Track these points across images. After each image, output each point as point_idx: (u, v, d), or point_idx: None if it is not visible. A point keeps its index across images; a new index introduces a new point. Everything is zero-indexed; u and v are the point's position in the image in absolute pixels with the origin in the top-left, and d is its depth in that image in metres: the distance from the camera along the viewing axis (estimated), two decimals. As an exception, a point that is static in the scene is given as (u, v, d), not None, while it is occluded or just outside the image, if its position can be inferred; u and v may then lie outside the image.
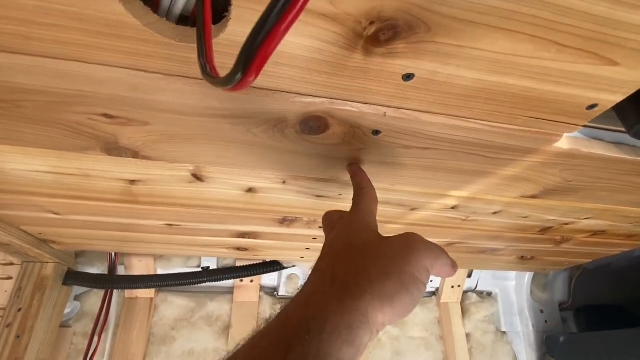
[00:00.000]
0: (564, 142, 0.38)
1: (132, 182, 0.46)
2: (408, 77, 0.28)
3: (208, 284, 0.88)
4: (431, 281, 1.14)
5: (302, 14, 0.22)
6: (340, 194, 0.50)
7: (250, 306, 0.97)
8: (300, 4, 0.10)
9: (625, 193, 0.50)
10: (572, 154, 0.40)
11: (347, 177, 0.44)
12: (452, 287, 1.13)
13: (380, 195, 0.43)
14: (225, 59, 0.25)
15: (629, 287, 1.04)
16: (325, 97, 0.31)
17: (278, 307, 0.26)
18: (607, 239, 0.73)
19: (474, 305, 1.14)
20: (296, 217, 0.60)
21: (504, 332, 1.14)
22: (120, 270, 0.90)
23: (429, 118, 0.33)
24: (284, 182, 0.47)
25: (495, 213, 0.57)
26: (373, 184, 0.37)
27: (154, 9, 0.25)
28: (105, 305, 0.83)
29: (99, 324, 0.82)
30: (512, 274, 1.19)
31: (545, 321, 1.15)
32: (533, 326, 1.13)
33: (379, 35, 0.24)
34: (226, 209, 0.56)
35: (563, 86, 0.29)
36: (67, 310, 0.85)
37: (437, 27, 0.24)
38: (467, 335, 1.11)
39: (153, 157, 0.40)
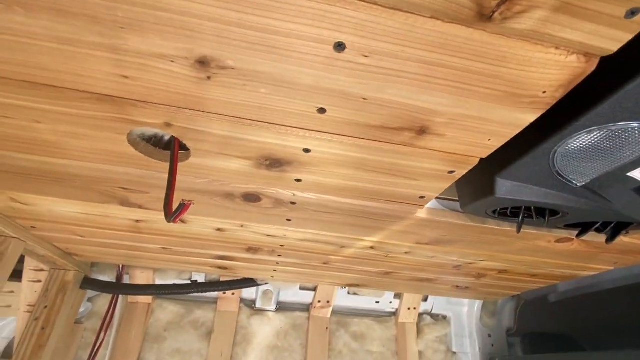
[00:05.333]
0: (423, 212, 0.57)
1: (138, 221, 0.66)
2: (298, 180, 0.47)
3: (196, 294, 1.07)
4: (390, 302, 1.30)
5: (223, 157, 0.42)
6: (285, 235, 0.70)
7: (230, 315, 1.15)
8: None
9: (493, 244, 0.68)
10: (431, 220, 0.58)
11: (283, 223, 0.63)
12: (409, 309, 1.29)
13: (313, 237, 0.63)
14: (188, 175, 0.45)
15: (564, 318, 1.19)
16: (256, 185, 0.51)
17: (254, 318, 0.35)
18: (516, 277, 0.90)
19: (428, 327, 1.29)
20: (259, 247, 0.79)
21: (455, 352, 1.29)
22: (126, 279, 1.10)
23: (325, 199, 0.52)
24: (242, 226, 0.66)
25: (406, 253, 0.75)
26: (307, 231, 0.55)
27: (150, 141, 0.45)
28: (112, 307, 1.03)
29: (106, 322, 1.01)
30: (466, 300, 1.34)
31: (492, 345, 1.29)
32: (480, 349, 1.28)
33: (272, 165, 0.44)
34: (205, 240, 0.75)
35: (398, 187, 0.48)
36: (80, 310, 1.05)
37: (297, 166, 0.43)
38: (420, 353, 1.26)
39: (152, 208, 0.60)
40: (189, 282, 1.11)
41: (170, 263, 0.97)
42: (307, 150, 0.41)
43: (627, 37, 0.25)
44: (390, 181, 0.47)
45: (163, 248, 0.82)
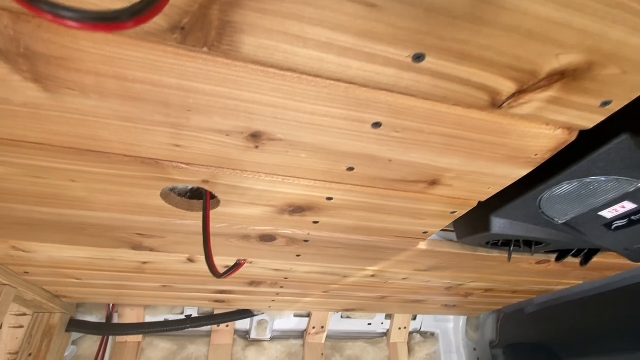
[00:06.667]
0: (423, 244, 0.62)
1: (145, 263, 0.66)
2: (316, 222, 0.51)
3: (189, 328, 1.05)
4: (382, 323, 1.33)
5: (247, 206, 0.45)
6: (291, 268, 0.72)
7: (225, 348, 1.13)
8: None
9: (482, 268, 0.74)
10: (430, 250, 0.63)
11: (292, 259, 0.66)
12: (400, 328, 1.33)
13: (319, 269, 0.66)
14: (211, 221, 0.47)
15: (539, 327, 1.28)
16: (273, 227, 0.54)
17: (250, 349, 0.40)
18: (499, 294, 0.97)
19: (418, 345, 1.34)
20: (262, 281, 0.81)
21: (444, 368, 1.34)
22: (114, 318, 1.05)
23: (336, 236, 0.56)
24: (250, 263, 0.68)
25: (404, 279, 0.80)
26: (315, 264, 0.58)
27: (175, 190, 0.47)
28: (102, 349, 0.98)
29: (95, 367, 0.96)
30: (451, 316, 1.41)
31: (478, 358, 1.36)
32: (467, 363, 1.34)
33: (294, 211, 0.47)
34: (210, 277, 0.76)
35: (405, 225, 0.53)
36: (65, 354, 0.99)
37: (317, 211, 0.47)
38: (412, 372, 1.30)
39: (163, 251, 0.61)
40: (181, 316, 1.08)
41: (164, 299, 0.96)
42: (329, 199, 0.45)
43: (600, 118, 0.32)
44: (399, 220, 0.52)
45: (163, 286, 0.82)
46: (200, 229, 0.51)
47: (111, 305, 1.01)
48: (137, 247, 0.59)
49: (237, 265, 0.36)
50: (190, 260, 0.66)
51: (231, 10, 0.22)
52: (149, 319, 1.09)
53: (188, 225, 0.52)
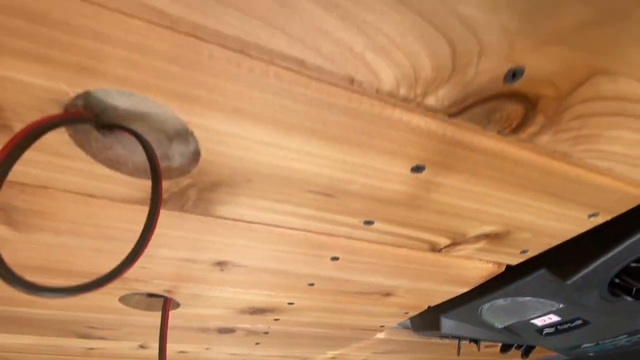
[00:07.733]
0: (382, 334, 0.65)
1: (91, 349, 0.62)
2: (276, 319, 0.52)
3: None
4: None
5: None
6: (250, 353, 0.71)
7: None
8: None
9: (436, 352, 0.77)
10: (388, 339, 0.66)
11: (251, 346, 0.65)
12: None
13: (279, 353, 0.65)
14: (178, 318, 0.47)
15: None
16: (233, 323, 0.54)
17: None
18: (455, 369, 0.99)
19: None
20: (218, 361, 0.78)
21: None
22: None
23: (296, 329, 0.57)
24: (207, 349, 0.66)
25: (363, 360, 0.81)
26: (274, 349, 0.58)
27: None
28: None
29: None
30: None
31: None
32: None
33: (255, 312, 0.48)
34: None
35: (362, 322, 0.56)
36: None
37: (278, 312, 0.49)
38: None
39: (114, 339, 0.58)
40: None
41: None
42: (290, 303, 0.47)
43: (522, 259, 0.38)
44: (357, 318, 0.54)
45: (108, 367, 0.76)
46: (157, 323, 0.50)
47: (44, 383, 0.91)
48: (86, 336, 0.56)
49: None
50: (143, 347, 0.63)
51: (207, 193, 0.25)
52: (86, 396, 0.98)
53: (144, 321, 0.50)
